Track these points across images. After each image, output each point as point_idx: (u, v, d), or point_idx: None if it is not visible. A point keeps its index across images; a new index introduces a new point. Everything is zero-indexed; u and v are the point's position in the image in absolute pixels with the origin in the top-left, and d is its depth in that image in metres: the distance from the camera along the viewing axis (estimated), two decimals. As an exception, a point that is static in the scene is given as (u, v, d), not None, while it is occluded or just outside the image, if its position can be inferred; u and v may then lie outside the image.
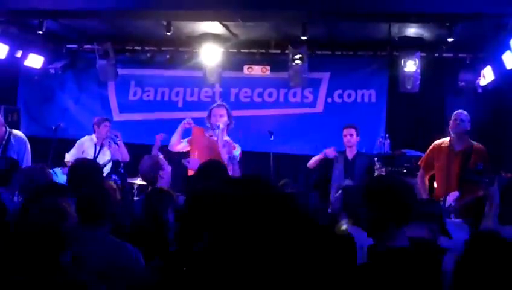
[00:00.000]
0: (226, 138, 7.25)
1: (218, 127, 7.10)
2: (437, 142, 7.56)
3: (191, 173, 6.95)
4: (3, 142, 7.72)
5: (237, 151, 7.19)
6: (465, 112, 7.28)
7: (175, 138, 7.48)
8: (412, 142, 9.40)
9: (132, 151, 9.43)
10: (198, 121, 7.93)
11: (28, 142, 7.87)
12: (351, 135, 8.14)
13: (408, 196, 3.23)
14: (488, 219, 5.06)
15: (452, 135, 7.32)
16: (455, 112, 7.35)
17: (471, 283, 2.66)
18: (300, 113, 10.31)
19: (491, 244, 2.98)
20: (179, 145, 7.51)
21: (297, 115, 10.30)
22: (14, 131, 7.93)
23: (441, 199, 7.18)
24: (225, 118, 7.24)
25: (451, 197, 7.08)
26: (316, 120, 10.16)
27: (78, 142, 8.73)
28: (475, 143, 7.28)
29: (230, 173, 6.49)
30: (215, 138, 7.17)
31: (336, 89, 10.25)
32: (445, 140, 7.45)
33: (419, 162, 7.79)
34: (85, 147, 8.58)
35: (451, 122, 7.30)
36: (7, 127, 7.72)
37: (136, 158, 8.45)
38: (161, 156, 6.40)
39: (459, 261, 2.98)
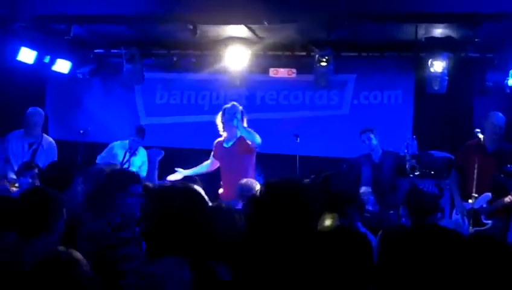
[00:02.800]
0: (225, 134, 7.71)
1: (235, 117, 7.42)
2: (469, 142, 7.55)
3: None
4: (36, 144, 7.92)
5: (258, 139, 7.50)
6: (501, 115, 7.26)
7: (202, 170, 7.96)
8: (439, 143, 9.34)
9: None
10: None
11: (56, 149, 8.07)
12: (369, 139, 8.15)
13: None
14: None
15: (486, 136, 7.27)
16: (493, 116, 7.32)
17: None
18: (326, 116, 10.28)
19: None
20: (211, 167, 7.96)
21: (323, 117, 10.27)
22: (46, 136, 8.11)
23: (471, 200, 7.16)
24: (238, 116, 7.50)
25: (483, 198, 7.05)
26: (342, 122, 10.13)
27: (109, 145, 8.82)
28: (508, 144, 7.25)
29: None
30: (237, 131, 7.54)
31: (362, 90, 10.21)
32: (478, 140, 7.41)
33: (453, 163, 7.79)
34: (115, 151, 8.64)
35: (488, 125, 7.25)
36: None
37: (163, 161, 8.55)
38: None
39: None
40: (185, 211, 2.96)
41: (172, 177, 7.83)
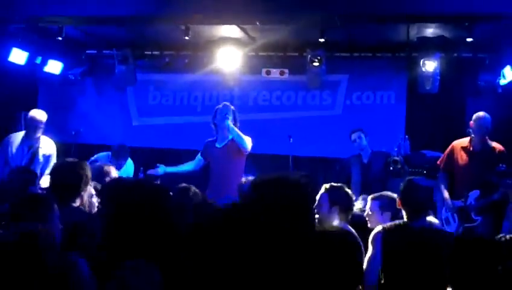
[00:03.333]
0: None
1: (227, 118, 7.48)
2: (456, 142, 7.66)
3: None
4: (35, 147, 7.88)
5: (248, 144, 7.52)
6: (487, 115, 7.34)
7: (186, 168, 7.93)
8: (432, 143, 9.35)
9: (151, 155, 9.50)
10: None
11: (55, 151, 8.03)
12: (360, 138, 8.24)
13: None
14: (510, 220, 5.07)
15: (472, 135, 7.37)
16: (477, 114, 7.41)
17: None
18: (319, 116, 10.28)
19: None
20: (196, 166, 7.97)
21: (316, 117, 10.27)
22: (45, 137, 8.06)
23: (462, 199, 7.22)
24: (230, 117, 7.53)
25: (472, 196, 7.14)
26: (335, 122, 10.13)
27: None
28: (493, 143, 7.34)
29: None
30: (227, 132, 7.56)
31: (354, 91, 10.22)
32: (465, 140, 7.53)
33: (438, 162, 7.82)
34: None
35: (472, 123, 7.36)
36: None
37: (156, 162, 8.52)
38: None
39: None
40: (144, 209, 2.84)
41: (151, 172, 7.76)
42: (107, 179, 5.64)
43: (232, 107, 7.76)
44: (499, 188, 6.85)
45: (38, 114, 7.97)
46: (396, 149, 8.32)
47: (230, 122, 7.43)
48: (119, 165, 8.32)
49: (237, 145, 7.49)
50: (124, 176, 8.31)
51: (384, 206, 5.25)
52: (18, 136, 8.04)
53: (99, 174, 5.69)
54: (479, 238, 3.50)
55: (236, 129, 7.50)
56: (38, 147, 7.92)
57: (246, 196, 2.80)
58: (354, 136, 8.26)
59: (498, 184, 6.86)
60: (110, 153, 8.55)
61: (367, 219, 5.29)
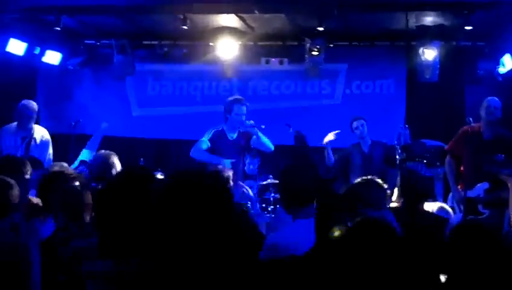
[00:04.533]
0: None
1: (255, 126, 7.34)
2: (466, 128, 7.47)
3: None
4: (29, 138, 7.84)
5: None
6: (497, 99, 7.20)
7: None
8: (431, 131, 9.33)
9: (151, 145, 9.50)
10: (216, 115, 7.94)
11: (50, 139, 8.00)
12: (362, 126, 8.16)
13: None
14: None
15: (483, 122, 7.22)
16: (487, 99, 7.27)
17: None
18: (318, 105, 10.27)
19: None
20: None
21: (315, 106, 10.26)
22: (38, 127, 8.02)
23: (468, 189, 7.06)
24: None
25: (481, 187, 6.92)
26: (334, 112, 10.11)
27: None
28: (505, 131, 7.19)
29: None
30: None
31: (353, 80, 10.20)
32: (475, 127, 7.35)
33: (446, 148, 7.71)
34: None
35: (483, 109, 7.20)
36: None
37: (155, 153, 8.53)
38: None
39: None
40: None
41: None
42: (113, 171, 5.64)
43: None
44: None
45: (29, 104, 7.92)
46: (396, 142, 8.27)
47: (255, 128, 7.34)
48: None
49: (247, 136, 7.42)
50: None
51: None
52: (10, 128, 7.98)
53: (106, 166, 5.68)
54: (482, 227, 3.45)
55: (260, 133, 7.38)
56: (32, 137, 7.88)
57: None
58: (356, 123, 8.17)
59: (498, 174, 6.74)
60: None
61: None
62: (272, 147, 7.48)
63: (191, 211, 2.14)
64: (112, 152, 5.97)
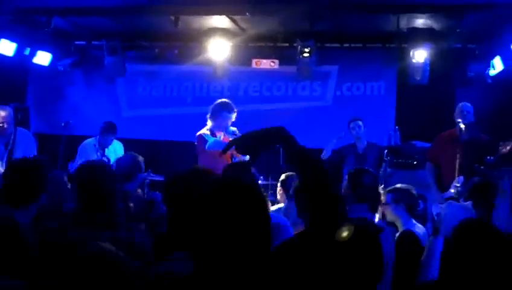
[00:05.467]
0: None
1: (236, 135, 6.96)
2: (442, 133, 7.61)
3: None
4: (11, 144, 7.65)
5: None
6: (469, 104, 7.33)
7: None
8: (422, 133, 9.35)
9: (142, 146, 9.44)
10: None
11: (34, 139, 7.90)
12: (359, 126, 8.19)
13: None
14: (499, 210, 5.04)
15: (458, 126, 7.31)
16: (460, 104, 7.43)
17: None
18: (309, 107, 10.29)
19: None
20: None
21: (306, 108, 10.27)
22: (20, 129, 7.81)
23: (446, 190, 7.14)
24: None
25: (456, 182, 7.00)
26: (325, 113, 10.13)
27: (79, 148, 8.63)
28: (483, 135, 7.30)
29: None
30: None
31: (344, 82, 10.22)
32: (451, 131, 7.47)
33: (426, 155, 7.82)
34: (88, 152, 8.47)
35: (457, 114, 7.33)
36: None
37: (146, 154, 8.48)
38: None
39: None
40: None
41: None
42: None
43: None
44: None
45: (2, 110, 7.60)
46: (386, 140, 8.34)
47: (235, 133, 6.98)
48: (107, 142, 8.41)
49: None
50: (112, 154, 8.38)
51: (398, 198, 5.30)
52: None
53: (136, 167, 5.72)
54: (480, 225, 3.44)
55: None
56: (14, 142, 7.64)
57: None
58: (352, 124, 8.21)
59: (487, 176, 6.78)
60: (95, 137, 8.55)
61: (383, 210, 5.32)
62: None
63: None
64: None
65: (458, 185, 6.95)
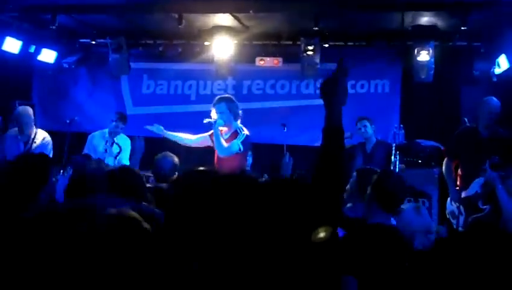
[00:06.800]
0: (224, 128, 7.14)
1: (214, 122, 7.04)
2: (461, 129, 7.46)
3: None
4: (29, 143, 7.89)
5: (238, 140, 7.03)
6: (495, 99, 7.10)
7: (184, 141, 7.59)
8: (426, 132, 9.34)
9: (146, 144, 9.44)
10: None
11: (51, 141, 8.04)
12: (365, 126, 8.25)
13: None
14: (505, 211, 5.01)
15: (480, 122, 7.14)
16: (486, 99, 7.12)
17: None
18: (313, 105, 10.23)
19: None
20: (195, 144, 7.57)
21: (310, 106, 10.23)
22: (40, 131, 8.10)
23: (465, 189, 7.00)
24: (216, 115, 7.09)
25: (476, 184, 6.82)
26: (329, 111, 10.09)
27: (89, 137, 8.73)
28: (501, 130, 7.11)
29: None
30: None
31: (349, 79, 10.03)
32: (471, 127, 7.31)
33: (443, 150, 7.73)
34: (95, 142, 8.56)
35: (483, 109, 7.08)
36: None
37: (149, 151, 8.50)
38: None
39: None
40: None
41: (149, 128, 7.65)
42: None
43: (230, 97, 7.40)
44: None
45: (24, 110, 8.03)
46: (391, 138, 8.32)
47: (219, 128, 7.03)
48: (117, 131, 8.52)
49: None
50: (118, 150, 8.47)
51: None
52: (12, 134, 8.09)
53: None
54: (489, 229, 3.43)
55: (220, 138, 7.03)
56: (32, 142, 7.95)
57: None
58: (359, 124, 8.30)
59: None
60: (104, 130, 8.62)
61: None
62: (222, 152, 7.02)
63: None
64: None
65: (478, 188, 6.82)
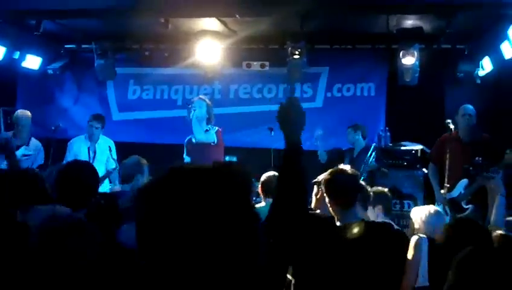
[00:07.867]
0: None
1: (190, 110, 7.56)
2: (445, 135, 7.69)
3: None
4: (24, 149, 7.87)
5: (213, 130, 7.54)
6: (471, 106, 7.39)
7: None
8: (412, 134, 9.38)
9: (132, 149, 9.41)
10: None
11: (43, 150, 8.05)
12: (348, 133, 8.73)
13: None
14: (492, 211, 5.06)
15: (460, 128, 7.39)
16: (462, 107, 7.48)
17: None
18: (300, 108, 10.27)
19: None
20: None
21: (297, 110, 10.25)
22: (33, 139, 8.17)
23: (443, 190, 7.23)
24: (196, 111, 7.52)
25: (461, 185, 7.12)
26: (316, 115, 10.07)
27: (68, 145, 8.76)
28: (484, 134, 7.36)
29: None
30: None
31: (335, 83, 10.22)
32: (453, 133, 7.53)
33: (428, 156, 7.91)
34: (75, 150, 8.54)
35: (459, 117, 7.40)
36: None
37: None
38: None
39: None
40: None
41: None
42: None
43: (207, 101, 7.76)
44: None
45: (23, 114, 8.15)
46: (377, 141, 8.44)
47: (193, 116, 7.48)
48: (93, 132, 8.53)
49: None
50: (106, 156, 8.41)
51: (375, 200, 5.30)
52: (7, 136, 7.97)
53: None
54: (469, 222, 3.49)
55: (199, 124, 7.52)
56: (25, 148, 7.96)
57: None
58: (347, 131, 8.76)
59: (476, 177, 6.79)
60: (81, 136, 8.68)
61: None
62: (200, 135, 7.56)
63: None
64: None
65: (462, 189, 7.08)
